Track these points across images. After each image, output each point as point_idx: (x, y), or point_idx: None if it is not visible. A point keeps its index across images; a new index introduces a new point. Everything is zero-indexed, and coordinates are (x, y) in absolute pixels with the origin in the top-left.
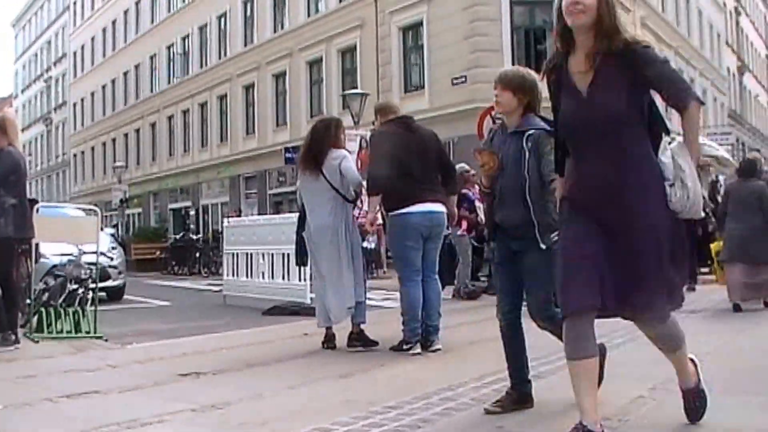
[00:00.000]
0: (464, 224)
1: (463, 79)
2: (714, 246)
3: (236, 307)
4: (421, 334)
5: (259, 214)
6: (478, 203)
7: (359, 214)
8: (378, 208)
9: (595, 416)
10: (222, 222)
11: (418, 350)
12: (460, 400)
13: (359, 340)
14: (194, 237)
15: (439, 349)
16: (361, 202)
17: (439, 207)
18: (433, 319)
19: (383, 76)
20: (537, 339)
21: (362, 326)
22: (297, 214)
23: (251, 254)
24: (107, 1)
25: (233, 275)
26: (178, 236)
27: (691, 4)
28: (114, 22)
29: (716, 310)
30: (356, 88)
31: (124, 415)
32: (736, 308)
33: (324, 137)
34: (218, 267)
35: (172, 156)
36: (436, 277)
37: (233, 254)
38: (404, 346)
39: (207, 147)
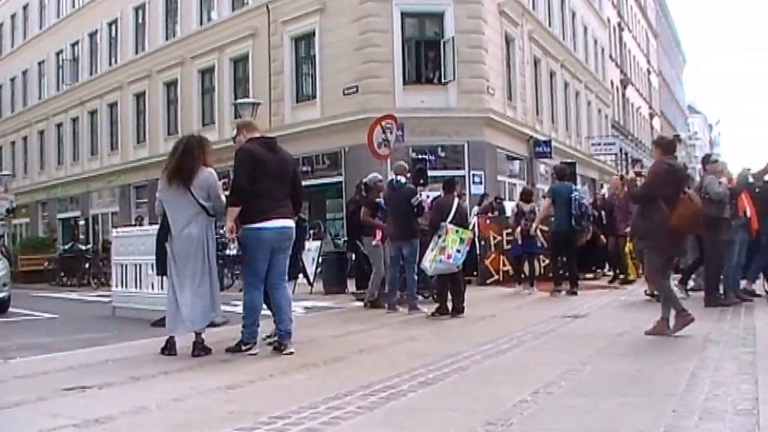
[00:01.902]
0: (378, 234)
1: (355, 90)
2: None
3: (125, 319)
4: (257, 336)
5: (150, 224)
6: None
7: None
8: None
9: None
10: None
11: (256, 350)
12: (347, 408)
13: (204, 349)
14: (84, 247)
15: (292, 352)
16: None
17: (289, 222)
18: (285, 324)
19: (275, 85)
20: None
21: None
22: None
23: (140, 265)
24: None
25: (122, 286)
26: (67, 247)
27: (576, 20)
28: (0, 26)
29: (598, 315)
30: (248, 97)
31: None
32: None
33: (198, 155)
34: (108, 278)
35: (61, 164)
36: (286, 285)
37: (122, 265)
38: (243, 347)
39: (97, 155)
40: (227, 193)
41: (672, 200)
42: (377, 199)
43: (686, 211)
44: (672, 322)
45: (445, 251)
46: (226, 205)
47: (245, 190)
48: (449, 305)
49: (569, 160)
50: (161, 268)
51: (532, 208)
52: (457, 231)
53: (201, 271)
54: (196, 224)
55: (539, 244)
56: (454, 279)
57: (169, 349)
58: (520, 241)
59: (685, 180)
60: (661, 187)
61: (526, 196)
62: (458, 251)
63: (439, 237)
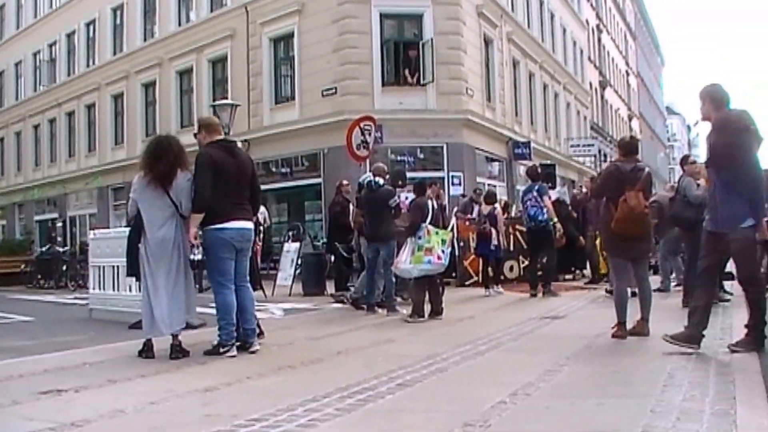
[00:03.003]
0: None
1: (333, 91)
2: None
3: (102, 321)
4: (238, 337)
5: (127, 225)
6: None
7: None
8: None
9: None
10: (89, 234)
11: (234, 353)
12: (325, 410)
13: (181, 351)
14: (61, 249)
15: (257, 350)
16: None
17: (249, 224)
18: (250, 322)
19: (254, 86)
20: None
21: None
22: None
23: (117, 267)
24: None
25: (99, 288)
26: (44, 249)
27: (555, 22)
28: None
29: (576, 316)
30: (227, 98)
31: None
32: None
33: (179, 158)
34: (85, 280)
35: (38, 166)
36: (248, 284)
37: (100, 267)
38: (221, 349)
39: (75, 157)
40: None
41: (615, 201)
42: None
43: (622, 214)
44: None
45: (434, 252)
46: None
47: (207, 197)
48: (427, 308)
49: (548, 162)
50: (131, 269)
51: (491, 210)
52: (437, 232)
53: (176, 273)
54: (171, 226)
55: (492, 247)
56: (432, 281)
57: (146, 351)
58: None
59: (629, 181)
60: (607, 188)
61: (489, 198)
62: (443, 252)
63: (419, 238)
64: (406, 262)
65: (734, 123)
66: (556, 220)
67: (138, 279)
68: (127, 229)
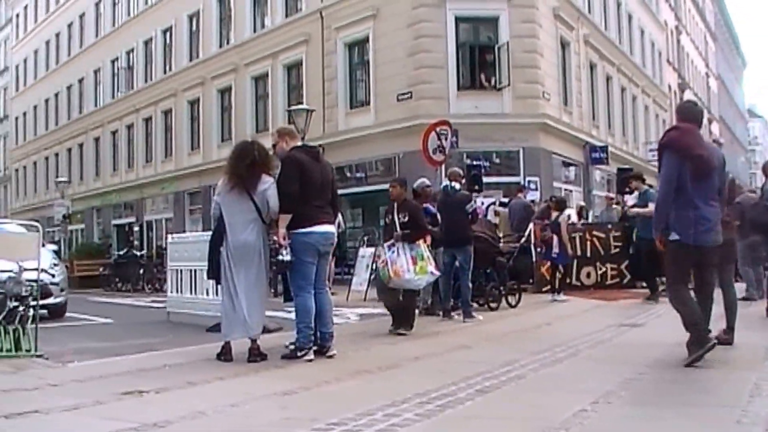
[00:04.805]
0: (427, 239)
1: (408, 95)
2: None
3: (180, 324)
4: (315, 341)
5: (203, 230)
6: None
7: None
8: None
9: None
10: (166, 238)
11: (311, 356)
12: (404, 416)
13: (259, 355)
14: (138, 253)
15: (334, 354)
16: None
17: (332, 228)
18: (327, 326)
19: (329, 91)
20: (482, 354)
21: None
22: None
23: (195, 270)
24: (50, 14)
25: (177, 292)
26: (121, 252)
27: (633, 23)
28: (57, 36)
29: (655, 324)
30: (302, 103)
31: None
32: None
33: (263, 162)
34: (162, 283)
35: (116, 171)
36: (327, 288)
37: (177, 270)
38: (298, 353)
39: (151, 162)
40: None
41: None
42: (424, 204)
43: None
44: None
45: (431, 261)
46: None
47: (295, 198)
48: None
49: (626, 166)
50: (212, 273)
51: (556, 217)
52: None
53: (255, 277)
54: (253, 231)
55: (553, 254)
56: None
57: (224, 354)
58: (541, 250)
59: None
60: None
61: (559, 205)
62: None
63: (418, 246)
64: (411, 272)
65: None
66: None
67: (218, 282)
68: (206, 233)
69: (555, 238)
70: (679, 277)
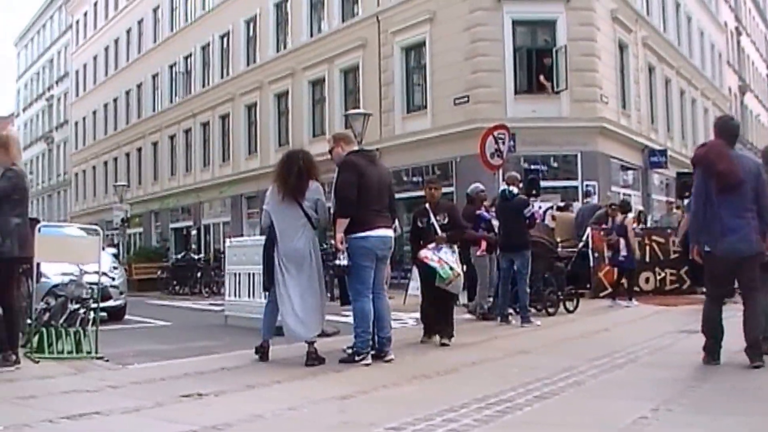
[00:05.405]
0: (483, 244)
1: (465, 99)
2: None
3: (238, 328)
4: (373, 345)
5: (260, 234)
6: (494, 222)
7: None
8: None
9: None
10: (223, 241)
11: (369, 361)
12: (463, 421)
13: (317, 359)
14: (195, 257)
15: (392, 359)
16: None
17: (390, 232)
18: (385, 331)
19: (385, 95)
20: (540, 359)
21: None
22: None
23: (253, 274)
24: (110, 21)
25: (235, 295)
26: (179, 256)
27: (692, 25)
28: (116, 41)
29: None
30: (359, 107)
31: None
32: None
33: (310, 170)
34: (219, 287)
35: (174, 175)
36: (386, 293)
37: (235, 274)
38: (356, 358)
39: (209, 166)
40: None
41: None
42: (478, 211)
43: None
44: None
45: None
46: (333, 217)
47: (353, 202)
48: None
49: (685, 170)
50: (269, 281)
51: (621, 220)
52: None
53: (308, 282)
54: (302, 237)
55: (620, 258)
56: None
57: (262, 353)
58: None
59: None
60: None
61: (622, 208)
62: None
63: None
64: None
65: None
66: None
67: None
68: (262, 238)
69: (621, 241)
70: (713, 287)
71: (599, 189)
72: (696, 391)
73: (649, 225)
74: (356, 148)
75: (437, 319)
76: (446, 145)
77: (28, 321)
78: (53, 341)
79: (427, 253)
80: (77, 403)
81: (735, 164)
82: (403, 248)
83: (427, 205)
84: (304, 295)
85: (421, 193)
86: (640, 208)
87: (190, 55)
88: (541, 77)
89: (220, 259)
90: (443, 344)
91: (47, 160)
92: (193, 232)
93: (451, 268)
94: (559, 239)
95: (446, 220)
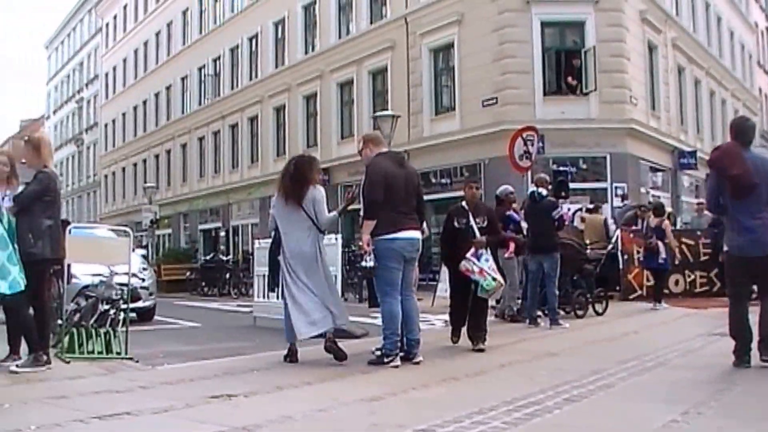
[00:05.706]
0: (511, 246)
1: (494, 101)
2: None
3: (266, 329)
4: (402, 347)
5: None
6: (523, 223)
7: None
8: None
9: None
10: (252, 243)
11: (398, 363)
12: (492, 423)
13: (337, 348)
14: (224, 258)
15: (421, 361)
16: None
17: (418, 234)
18: (414, 333)
19: (414, 97)
20: (569, 361)
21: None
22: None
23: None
24: (139, 23)
25: (264, 297)
26: (208, 257)
27: (722, 25)
28: (145, 44)
29: None
30: (387, 109)
31: None
32: None
33: (309, 174)
34: (248, 288)
35: (203, 177)
36: (414, 294)
37: (264, 275)
38: (385, 359)
39: (237, 168)
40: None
41: None
42: (507, 212)
43: None
44: None
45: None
46: (361, 219)
47: (379, 204)
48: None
49: None
50: (274, 283)
51: (659, 223)
52: None
53: (315, 283)
54: (307, 239)
55: (660, 261)
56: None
57: (290, 356)
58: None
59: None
60: None
61: (657, 210)
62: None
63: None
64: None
65: None
66: None
67: (275, 291)
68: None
69: (660, 244)
70: (733, 286)
71: (628, 190)
72: (727, 395)
73: (678, 227)
74: (385, 149)
75: (469, 323)
76: (475, 147)
77: (59, 321)
78: (84, 342)
79: (466, 265)
80: (108, 404)
81: (749, 167)
82: (431, 250)
83: (465, 204)
84: (311, 295)
85: (449, 194)
86: (670, 209)
87: (219, 57)
88: (570, 78)
89: (248, 260)
90: (479, 350)
91: (77, 162)
92: (222, 233)
93: (494, 279)
94: (588, 241)
95: (485, 223)
